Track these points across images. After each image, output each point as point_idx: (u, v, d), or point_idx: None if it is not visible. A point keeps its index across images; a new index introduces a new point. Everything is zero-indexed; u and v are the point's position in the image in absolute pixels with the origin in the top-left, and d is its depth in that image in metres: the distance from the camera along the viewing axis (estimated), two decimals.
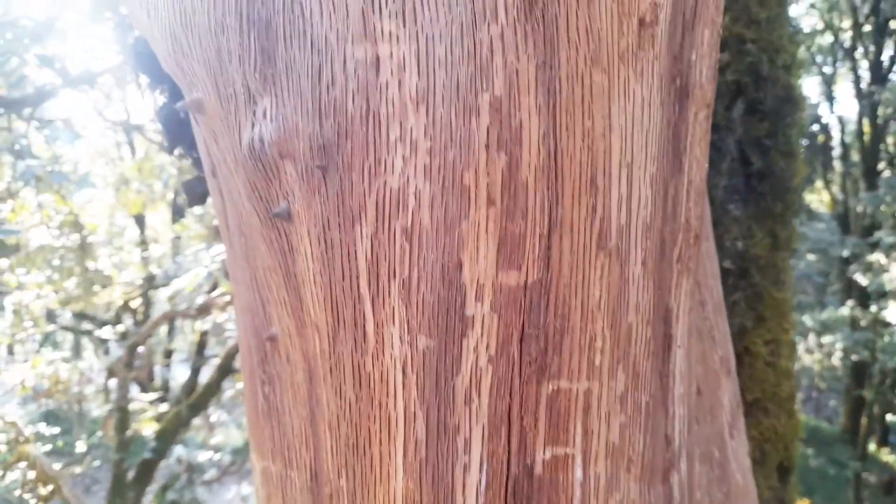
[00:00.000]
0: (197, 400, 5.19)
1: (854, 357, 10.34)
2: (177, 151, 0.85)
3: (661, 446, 0.57)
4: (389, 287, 0.48)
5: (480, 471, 0.49)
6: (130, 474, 5.14)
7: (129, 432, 5.21)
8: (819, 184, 13.78)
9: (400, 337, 0.49)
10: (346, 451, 0.53)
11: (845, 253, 10.65)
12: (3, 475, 5.17)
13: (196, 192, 0.89)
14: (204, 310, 5.13)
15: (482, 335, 0.48)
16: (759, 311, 1.40)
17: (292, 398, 0.58)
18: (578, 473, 0.51)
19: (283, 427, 0.60)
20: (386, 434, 0.50)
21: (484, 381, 0.49)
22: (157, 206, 7.88)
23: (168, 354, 8.67)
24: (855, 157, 12.69)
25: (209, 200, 0.92)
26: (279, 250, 0.54)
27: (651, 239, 0.52)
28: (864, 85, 12.32)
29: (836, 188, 13.22)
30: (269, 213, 0.52)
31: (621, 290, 0.51)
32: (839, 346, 10.56)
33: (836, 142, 13.34)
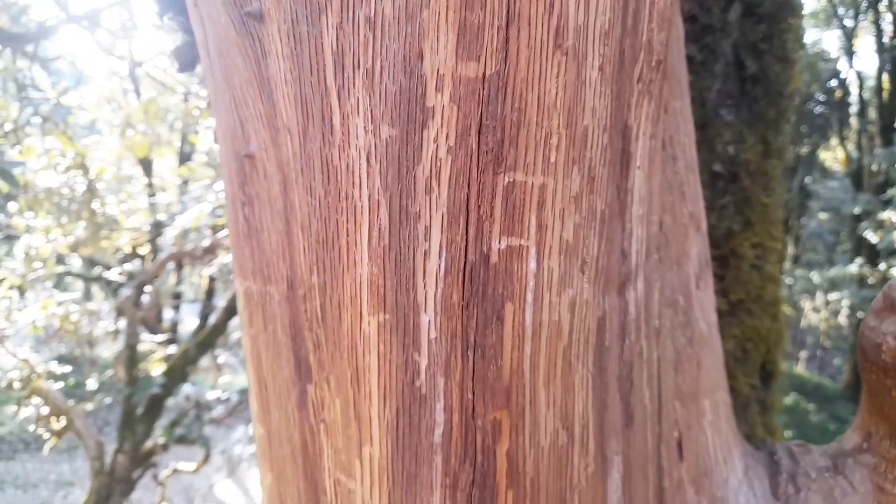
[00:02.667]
0: (204, 339, 5.32)
1: (860, 314, 10.34)
2: (166, 17, 0.86)
3: (617, 258, 0.60)
4: (354, 78, 0.51)
5: (440, 257, 0.52)
6: (140, 410, 5.30)
7: (138, 372, 5.36)
8: (834, 141, 13.54)
9: (364, 127, 0.51)
10: (316, 248, 0.56)
11: (857, 210, 10.55)
12: (18, 411, 5.34)
13: (186, 58, 0.91)
14: (210, 250, 5.20)
15: (442, 126, 0.51)
16: (746, 216, 1.42)
17: (270, 214, 0.61)
18: (532, 265, 0.54)
19: (262, 245, 0.64)
20: (352, 224, 0.53)
21: (443, 171, 0.51)
22: (163, 152, 7.89)
23: (177, 297, 8.82)
24: (872, 113, 12.43)
25: (199, 68, 0.94)
26: (254, 59, 0.56)
27: (609, 46, 0.54)
28: (885, 39, 11.97)
29: (851, 145, 13.00)
30: (242, 16, 0.54)
31: (577, 91, 0.53)
32: (846, 303, 10.56)
33: (853, 97, 13.05)
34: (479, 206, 0.52)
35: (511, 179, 0.52)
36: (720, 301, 1.39)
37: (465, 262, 0.53)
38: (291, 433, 0.66)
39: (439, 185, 0.51)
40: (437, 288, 0.53)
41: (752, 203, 1.42)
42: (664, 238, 0.76)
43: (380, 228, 0.52)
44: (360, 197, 0.52)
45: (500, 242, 0.53)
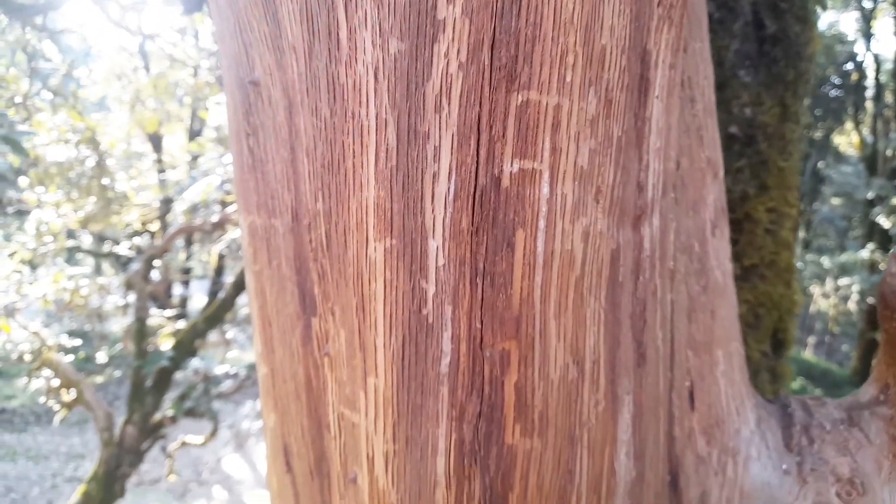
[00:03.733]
0: (213, 313, 5.34)
1: (870, 300, 10.27)
2: None
3: (633, 190, 0.58)
4: None
5: (449, 179, 0.51)
6: (148, 383, 5.35)
7: (147, 345, 5.40)
8: (848, 125, 13.35)
9: (372, 41, 0.49)
10: (321, 173, 0.54)
11: (870, 195, 10.42)
12: (28, 382, 5.40)
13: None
14: (219, 225, 5.20)
15: (453, 40, 0.48)
16: (762, 179, 1.39)
17: (274, 143, 0.60)
18: (545, 190, 0.52)
19: (267, 176, 0.62)
20: (359, 145, 0.52)
21: (454, 88, 0.49)
22: (173, 128, 7.89)
23: (186, 272, 8.87)
24: (889, 97, 12.23)
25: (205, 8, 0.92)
26: None
27: None
28: None
29: (865, 129, 12.81)
30: None
31: (595, 7, 0.50)
32: (856, 288, 10.47)
33: (869, 81, 12.83)
34: (491, 126, 0.50)
35: (525, 98, 0.50)
36: (734, 266, 1.37)
37: (475, 186, 0.51)
38: (295, 370, 0.65)
39: (449, 103, 0.49)
40: (445, 212, 0.51)
41: (769, 167, 1.39)
42: (681, 181, 0.74)
43: (387, 149, 0.51)
44: (367, 116, 0.51)
45: (512, 165, 0.51)
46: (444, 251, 0.52)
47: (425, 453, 0.56)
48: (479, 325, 0.53)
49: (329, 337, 0.59)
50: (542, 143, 0.51)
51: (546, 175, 0.52)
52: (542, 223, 0.52)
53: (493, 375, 0.54)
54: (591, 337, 0.57)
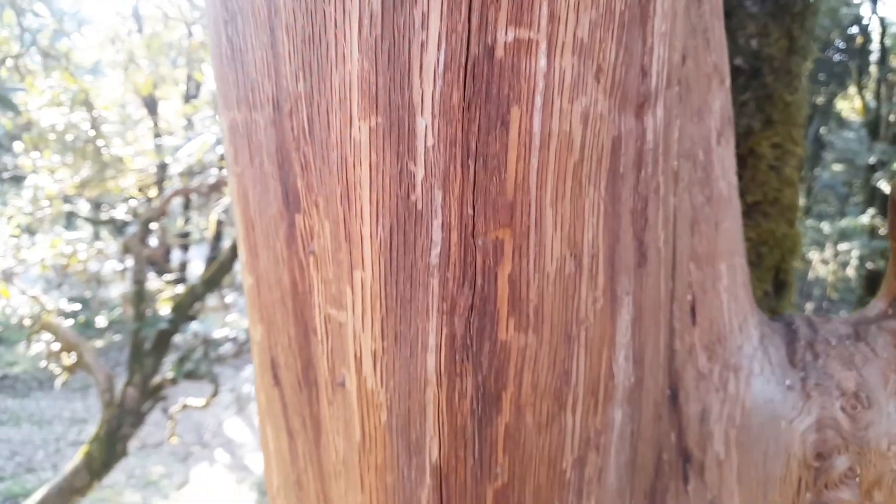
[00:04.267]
0: (211, 276, 5.32)
1: (869, 265, 10.26)
2: None
3: (636, 74, 0.54)
4: None
5: (438, 49, 0.47)
6: (148, 345, 5.36)
7: (146, 309, 5.39)
8: (852, 90, 13.19)
9: None
10: (302, 49, 0.51)
11: (872, 160, 10.33)
12: (29, 346, 5.41)
13: None
14: (216, 187, 5.15)
15: None
16: (767, 113, 1.35)
17: (253, 28, 0.56)
18: (542, 63, 0.48)
19: (247, 66, 0.58)
20: (341, 12, 0.48)
21: None
22: (168, 93, 7.77)
23: (184, 236, 8.84)
24: (894, 62, 12.04)
25: None
26: None
27: None
28: None
29: (869, 94, 12.65)
30: None
31: None
32: (855, 254, 10.47)
33: (874, 45, 12.63)
34: None
35: None
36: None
37: (466, 56, 0.47)
38: (280, 275, 0.62)
39: None
40: (434, 86, 0.48)
41: (774, 101, 1.35)
42: (686, 84, 0.70)
43: (371, 15, 0.47)
44: None
45: (506, 34, 0.47)
46: (433, 129, 0.48)
47: (415, 350, 0.53)
48: (470, 212, 0.50)
49: (314, 233, 0.56)
50: (540, 10, 0.47)
51: (543, 46, 0.48)
52: (538, 100, 0.49)
53: (486, 266, 0.51)
54: (590, 229, 0.54)
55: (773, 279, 1.46)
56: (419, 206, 0.50)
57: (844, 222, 10.18)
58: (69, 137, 5.43)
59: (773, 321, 0.80)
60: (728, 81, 0.77)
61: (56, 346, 5.48)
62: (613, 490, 0.63)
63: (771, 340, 0.76)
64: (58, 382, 5.63)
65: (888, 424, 0.70)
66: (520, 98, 0.48)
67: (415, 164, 0.49)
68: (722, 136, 0.75)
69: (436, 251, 0.51)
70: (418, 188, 0.50)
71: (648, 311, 0.62)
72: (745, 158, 1.34)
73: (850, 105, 13.75)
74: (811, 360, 0.74)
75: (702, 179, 0.73)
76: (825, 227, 10.25)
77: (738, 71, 1.34)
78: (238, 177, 0.65)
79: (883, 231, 9.87)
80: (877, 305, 0.76)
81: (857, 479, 0.70)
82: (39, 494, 5.08)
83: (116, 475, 7.38)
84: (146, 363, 5.20)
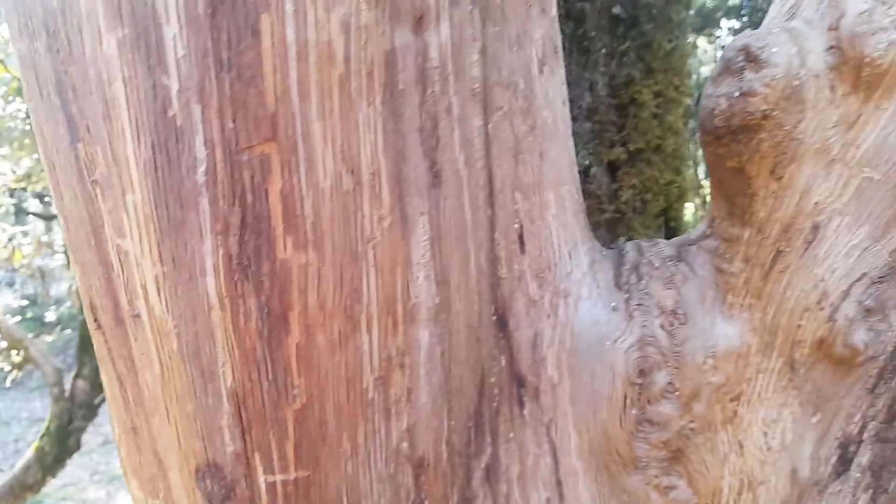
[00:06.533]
0: None
1: None
2: None
3: None
4: None
5: None
6: None
7: None
8: None
9: None
10: None
11: None
12: None
13: None
14: None
15: None
16: (647, 62, 1.37)
17: None
18: None
19: None
20: None
21: None
22: None
23: None
24: None
25: None
26: None
27: None
28: None
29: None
30: None
31: None
32: None
33: None
34: None
35: None
36: (619, 151, 1.37)
37: None
38: (81, 212, 0.61)
39: None
40: None
41: (654, 49, 1.37)
42: (501, 14, 0.71)
43: None
44: None
45: None
46: (182, 40, 0.47)
47: (194, 273, 0.53)
48: (231, 126, 0.50)
49: (95, 161, 0.55)
50: None
51: None
52: (289, 7, 0.48)
53: (255, 183, 0.51)
54: (367, 146, 0.54)
55: (665, 226, 1.50)
56: (178, 122, 0.49)
57: None
58: (8, 127, 5.22)
59: (607, 249, 0.82)
60: (552, 11, 0.77)
61: (2, 344, 5.32)
62: (428, 410, 0.64)
63: (601, 266, 0.79)
64: (7, 380, 5.46)
65: (704, 339, 0.73)
66: (268, 5, 0.48)
67: (168, 78, 0.48)
68: (545, 65, 0.75)
69: (202, 169, 0.50)
70: (174, 102, 0.49)
71: (451, 234, 0.63)
72: (627, 107, 1.37)
73: None
74: (635, 282, 0.76)
75: (524, 108, 0.73)
76: None
77: (616, 20, 1.36)
78: (34, 113, 0.63)
79: None
80: (700, 227, 0.79)
81: (677, 393, 0.73)
82: None
83: (80, 472, 7.24)
84: (94, 353, 5.08)
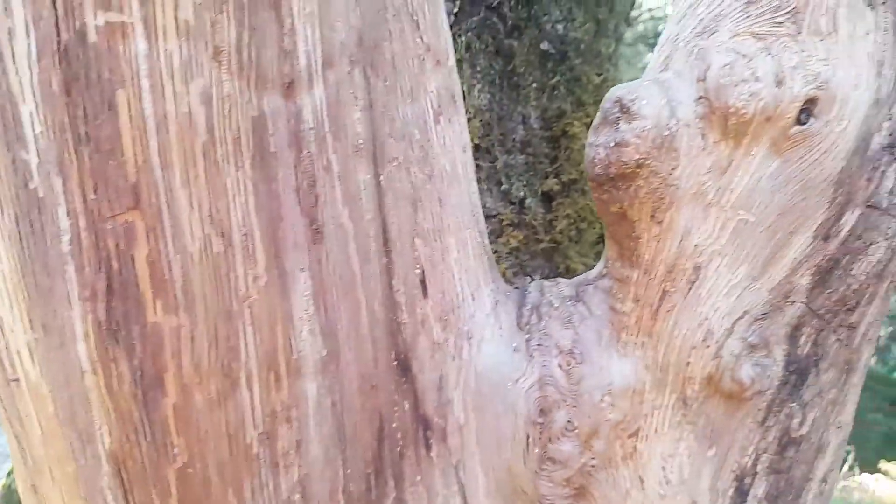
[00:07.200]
0: None
1: None
2: None
3: (275, 56, 0.56)
4: None
5: (28, 36, 0.47)
6: None
7: None
8: None
9: None
10: None
11: None
12: None
13: None
14: None
15: None
16: (577, 95, 1.41)
17: None
18: (142, 46, 0.49)
19: None
20: None
21: None
22: None
23: None
24: None
25: None
26: None
27: None
28: None
29: None
30: None
31: None
32: None
33: None
34: None
35: None
36: (553, 182, 1.39)
37: (58, 42, 0.48)
38: None
39: None
40: (31, 73, 0.48)
41: (583, 83, 1.41)
42: (392, 67, 0.73)
43: None
44: None
45: (96, 18, 0.48)
46: (38, 116, 0.49)
47: (65, 339, 0.54)
48: (93, 196, 0.51)
49: None
50: None
51: (140, 29, 0.49)
52: (145, 83, 0.50)
53: (120, 250, 0.52)
54: (238, 208, 0.55)
55: (602, 254, 1.53)
56: (40, 194, 0.50)
57: None
58: None
59: (513, 289, 0.84)
60: (449, 61, 0.80)
61: None
62: (321, 461, 0.65)
63: (504, 307, 0.80)
64: None
65: (600, 377, 0.74)
66: (123, 82, 0.49)
67: (27, 153, 0.49)
68: (441, 114, 0.77)
69: (66, 238, 0.51)
70: (35, 176, 0.50)
71: (338, 286, 0.64)
72: (559, 139, 1.40)
73: None
74: (536, 322, 0.78)
75: (420, 158, 0.75)
76: None
77: (545, 55, 1.39)
78: None
79: None
80: (598, 266, 0.81)
81: (577, 431, 0.74)
82: None
83: None
84: None
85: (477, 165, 1.45)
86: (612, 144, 0.67)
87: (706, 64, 0.66)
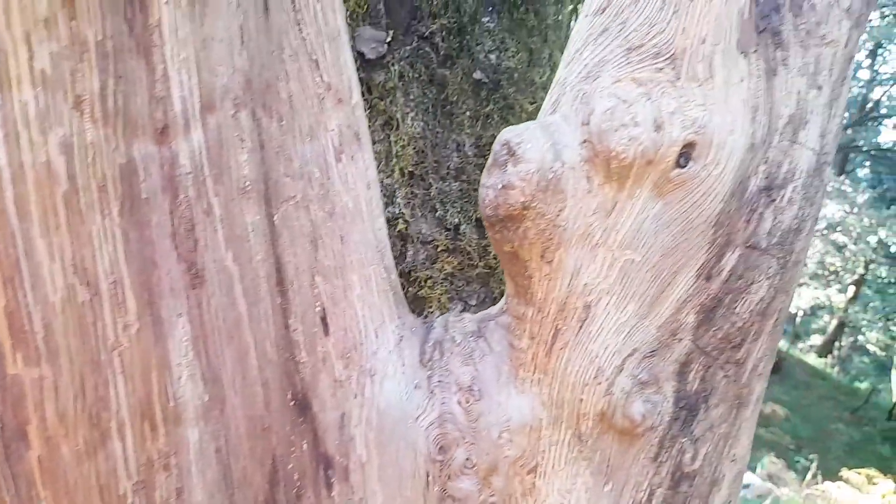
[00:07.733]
0: None
1: None
2: None
3: (145, 102, 0.56)
4: None
5: None
6: None
7: None
8: None
9: None
10: None
11: None
12: None
13: None
14: None
15: None
16: (511, 123, 1.42)
17: None
18: None
19: None
20: None
21: None
22: None
23: None
24: None
25: None
26: None
27: None
28: None
29: None
30: None
31: None
32: None
33: None
34: None
35: None
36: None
37: None
38: None
39: None
40: None
41: (516, 111, 1.43)
42: (289, 107, 0.73)
43: None
44: None
45: None
46: None
47: None
48: None
49: None
50: None
51: None
52: None
53: None
54: (105, 256, 0.55)
55: None
56: None
57: None
58: None
59: (420, 324, 0.84)
60: (353, 99, 0.80)
61: None
62: None
63: (408, 343, 0.80)
64: None
65: (498, 414, 0.75)
66: None
67: None
68: (343, 152, 0.78)
69: None
70: None
71: (221, 330, 0.64)
72: None
73: None
74: (438, 359, 0.78)
75: (320, 196, 0.76)
76: None
77: (479, 84, 1.41)
78: None
79: None
80: (500, 303, 0.82)
81: (476, 468, 0.75)
82: None
83: None
84: None
85: (411, 192, 1.45)
86: (500, 186, 0.68)
87: (590, 108, 0.67)
